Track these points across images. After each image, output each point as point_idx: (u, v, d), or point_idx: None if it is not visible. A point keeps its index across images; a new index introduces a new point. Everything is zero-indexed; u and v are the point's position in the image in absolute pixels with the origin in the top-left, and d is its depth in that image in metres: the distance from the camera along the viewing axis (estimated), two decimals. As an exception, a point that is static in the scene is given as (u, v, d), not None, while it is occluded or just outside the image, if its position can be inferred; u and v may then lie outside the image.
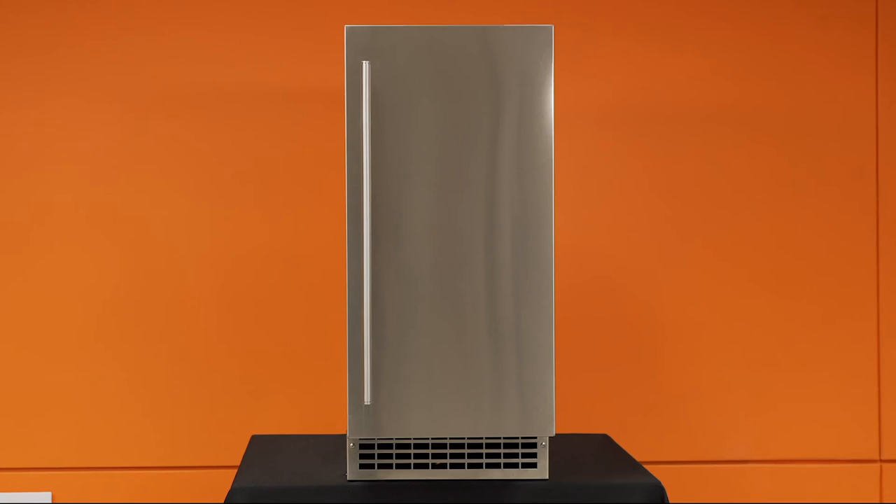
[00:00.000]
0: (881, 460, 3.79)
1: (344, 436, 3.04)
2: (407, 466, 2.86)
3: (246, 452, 3.22)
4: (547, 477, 2.87)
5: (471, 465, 2.87)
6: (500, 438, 2.85)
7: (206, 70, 3.69)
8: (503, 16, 3.69)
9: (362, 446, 2.85)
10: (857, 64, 3.79)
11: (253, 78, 3.69)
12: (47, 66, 3.66)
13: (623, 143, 3.77)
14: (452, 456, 2.86)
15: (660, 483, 2.88)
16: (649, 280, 3.77)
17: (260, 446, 3.28)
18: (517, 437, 2.85)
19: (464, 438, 2.85)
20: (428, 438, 2.85)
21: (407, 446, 2.85)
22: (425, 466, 2.86)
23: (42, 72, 3.66)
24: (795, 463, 3.78)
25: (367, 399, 2.77)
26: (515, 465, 2.87)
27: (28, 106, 3.66)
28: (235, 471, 3.01)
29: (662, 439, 3.78)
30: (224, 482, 2.96)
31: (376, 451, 2.85)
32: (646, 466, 3.06)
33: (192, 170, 3.70)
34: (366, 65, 2.70)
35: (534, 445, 2.86)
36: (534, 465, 2.87)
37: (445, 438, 2.85)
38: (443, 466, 2.86)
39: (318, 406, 3.69)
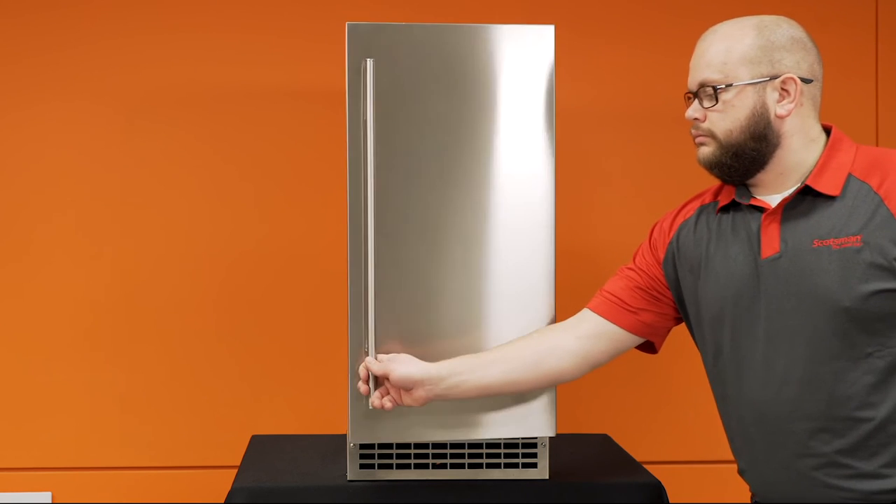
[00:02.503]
0: (881, 461, 3.78)
1: (344, 436, 3.04)
2: (407, 466, 2.85)
3: (246, 452, 3.21)
4: (547, 477, 2.87)
5: (471, 466, 2.87)
6: (500, 439, 2.85)
7: (206, 69, 3.68)
8: (503, 16, 3.69)
9: (363, 446, 2.84)
10: (857, 66, 3.79)
11: (252, 77, 3.69)
12: (45, 69, 3.66)
13: (622, 144, 3.77)
14: (453, 456, 2.86)
15: (660, 483, 2.88)
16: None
17: (260, 446, 3.27)
18: (517, 438, 2.85)
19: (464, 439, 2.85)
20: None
21: (407, 446, 2.85)
22: (426, 466, 2.86)
23: (40, 74, 3.66)
24: (795, 463, 3.77)
25: (368, 403, 2.76)
26: (516, 465, 2.87)
27: (24, 108, 3.66)
28: (235, 471, 3.01)
29: (662, 439, 3.77)
30: (224, 482, 2.96)
31: (376, 452, 2.85)
32: (646, 466, 3.05)
33: (191, 170, 3.70)
34: (367, 62, 2.69)
35: (534, 446, 2.86)
36: (534, 465, 2.87)
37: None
38: (443, 466, 2.86)
39: (318, 406, 3.69)
